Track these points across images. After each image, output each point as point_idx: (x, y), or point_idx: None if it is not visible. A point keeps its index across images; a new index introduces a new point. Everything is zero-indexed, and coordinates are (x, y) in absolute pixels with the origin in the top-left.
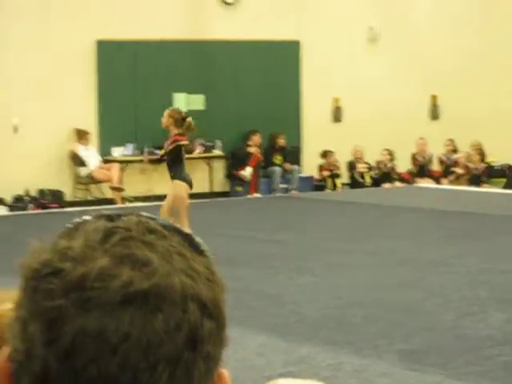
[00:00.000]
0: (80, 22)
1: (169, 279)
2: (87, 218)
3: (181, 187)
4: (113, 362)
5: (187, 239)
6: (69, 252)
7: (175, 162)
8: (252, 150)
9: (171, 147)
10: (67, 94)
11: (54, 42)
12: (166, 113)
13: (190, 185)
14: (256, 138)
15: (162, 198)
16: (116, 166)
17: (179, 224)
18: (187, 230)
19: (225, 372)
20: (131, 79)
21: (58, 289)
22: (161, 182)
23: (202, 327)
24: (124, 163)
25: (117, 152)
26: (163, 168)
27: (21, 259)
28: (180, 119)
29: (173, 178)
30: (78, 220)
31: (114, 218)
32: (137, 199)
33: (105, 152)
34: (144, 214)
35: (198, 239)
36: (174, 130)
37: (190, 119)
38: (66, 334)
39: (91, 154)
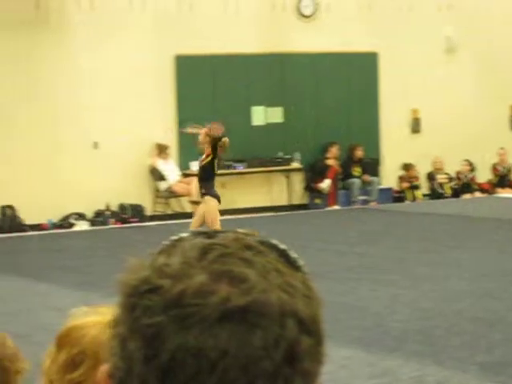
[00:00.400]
0: (159, 37)
1: (266, 295)
2: (184, 234)
3: (212, 203)
4: (211, 379)
5: (284, 255)
6: (167, 269)
7: (208, 179)
8: (330, 162)
9: (204, 163)
10: (146, 108)
11: (133, 57)
12: (204, 131)
13: (219, 200)
14: (334, 150)
15: (241, 211)
16: (195, 180)
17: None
18: (283, 245)
19: None
20: (210, 93)
21: (156, 306)
22: (240, 195)
23: (300, 343)
24: None
25: (196, 166)
26: (243, 182)
27: (119, 276)
28: (217, 139)
29: (204, 194)
30: (175, 237)
31: (211, 235)
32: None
33: (184, 166)
34: (241, 230)
35: (294, 255)
36: (209, 149)
37: (226, 139)
38: (165, 351)
39: (171, 169)
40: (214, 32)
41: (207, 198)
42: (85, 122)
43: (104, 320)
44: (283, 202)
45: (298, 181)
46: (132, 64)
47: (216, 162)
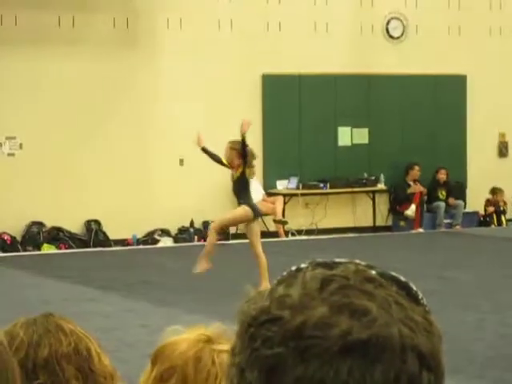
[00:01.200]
0: (246, 56)
1: (388, 329)
2: (304, 265)
3: (242, 211)
4: None
5: (405, 288)
6: (287, 300)
7: (244, 190)
8: (415, 189)
9: (238, 175)
10: (232, 127)
11: (220, 76)
12: (227, 146)
13: (256, 214)
14: (414, 172)
15: (325, 231)
16: (280, 199)
17: (254, 250)
18: (404, 278)
19: None
20: (296, 113)
21: (276, 337)
22: (324, 215)
23: (421, 379)
24: (287, 196)
25: (281, 185)
26: (327, 201)
27: (238, 305)
28: (241, 149)
29: (241, 203)
30: (294, 268)
31: (331, 266)
32: (299, 233)
33: (269, 185)
34: (361, 262)
35: (414, 288)
36: (237, 161)
37: (249, 147)
38: (284, 382)
39: (255, 187)
40: (301, 51)
41: (243, 205)
42: (171, 139)
43: (194, 337)
44: (368, 223)
45: (383, 202)
46: (219, 82)
47: (248, 171)
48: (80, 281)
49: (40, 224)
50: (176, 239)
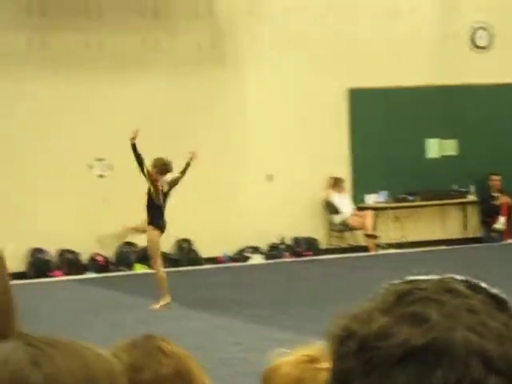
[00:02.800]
0: (332, 70)
1: (449, 334)
2: (396, 281)
3: (150, 235)
4: None
5: (493, 298)
6: (360, 315)
7: (148, 207)
8: (501, 200)
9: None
10: (320, 142)
11: (305, 90)
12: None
13: (162, 230)
14: (494, 183)
15: (415, 244)
16: (370, 213)
17: (154, 268)
18: (494, 289)
19: None
20: (383, 126)
21: (350, 351)
22: (414, 228)
23: (487, 383)
24: (377, 210)
25: (370, 199)
26: (417, 214)
27: (329, 326)
28: (162, 167)
29: (148, 223)
30: (385, 284)
31: (417, 282)
32: (390, 246)
33: (358, 199)
34: (454, 276)
35: (504, 296)
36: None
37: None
38: None
39: (345, 202)
40: (386, 64)
41: (148, 227)
42: (259, 155)
43: (297, 358)
44: (458, 234)
45: (473, 214)
46: (305, 97)
47: (152, 188)
48: (173, 299)
49: (132, 244)
50: (267, 256)
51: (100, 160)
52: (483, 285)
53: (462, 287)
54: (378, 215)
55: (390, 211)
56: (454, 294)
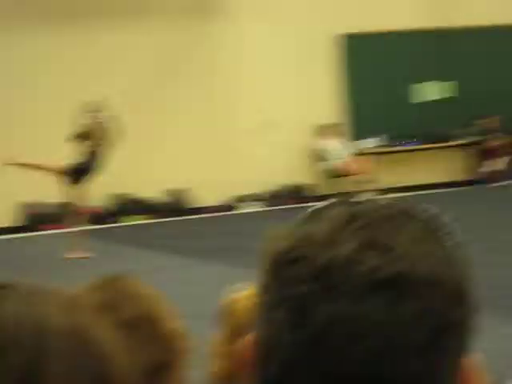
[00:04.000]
0: (326, 15)
1: (415, 265)
2: (326, 203)
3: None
4: (359, 349)
5: (432, 222)
6: (313, 237)
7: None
8: (500, 141)
9: None
10: (314, 88)
11: (300, 37)
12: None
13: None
14: (492, 124)
15: (411, 188)
16: (366, 158)
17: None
18: (433, 211)
19: (473, 361)
20: (379, 70)
21: (303, 275)
22: (413, 172)
23: (451, 314)
24: (375, 155)
25: (368, 144)
26: (414, 159)
27: (262, 246)
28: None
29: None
30: (317, 206)
31: (354, 204)
32: (388, 190)
33: (357, 144)
34: (382, 199)
35: (443, 221)
36: None
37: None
38: (313, 321)
39: (342, 147)
40: (382, 8)
41: None
42: (254, 103)
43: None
44: (457, 177)
45: (471, 155)
46: (299, 44)
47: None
48: (173, 249)
49: (129, 195)
50: (266, 203)
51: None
52: (421, 208)
53: (402, 211)
54: (377, 160)
55: (387, 156)
56: (400, 220)
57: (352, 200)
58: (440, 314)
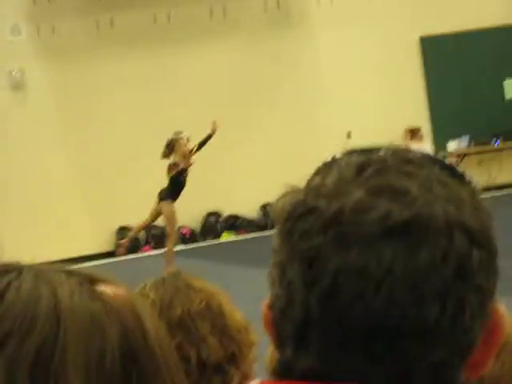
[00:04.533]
0: (403, 20)
1: (431, 208)
2: (338, 155)
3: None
4: (377, 299)
5: (449, 169)
6: (322, 189)
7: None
8: None
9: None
10: (395, 93)
11: (378, 42)
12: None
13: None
14: None
15: (502, 187)
16: (456, 161)
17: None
18: (448, 160)
19: (501, 307)
20: (459, 70)
21: (314, 227)
22: (499, 171)
23: (471, 257)
24: (460, 156)
25: (452, 145)
26: (501, 157)
27: (274, 203)
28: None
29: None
30: (329, 158)
31: (367, 152)
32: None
33: (440, 147)
34: (400, 146)
35: (460, 169)
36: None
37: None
38: (326, 273)
39: (425, 150)
40: (458, 8)
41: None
42: (336, 113)
43: None
44: None
45: None
46: (378, 48)
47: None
48: (260, 264)
49: (217, 214)
50: None
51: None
52: (434, 156)
53: (417, 157)
54: (462, 161)
55: (474, 156)
56: (415, 165)
57: (364, 148)
58: (461, 256)
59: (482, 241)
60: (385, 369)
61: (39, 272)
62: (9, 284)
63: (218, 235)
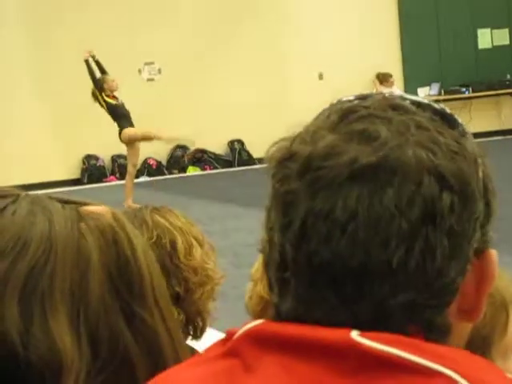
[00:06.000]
0: None
1: (400, 151)
2: (345, 98)
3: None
4: (343, 242)
5: (439, 113)
6: (304, 135)
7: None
8: None
9: None
10: (369, 37)
11: None
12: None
13: None
14: None
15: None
16: None
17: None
18: (441, 106)
19: (492, 252)
20: (434, 18)
21: (293, 173)
22: (468, 120)
23: (441, 201)
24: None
25: (422, 92)
26: (470, 106)
27: (266, 152)
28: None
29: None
30: (334, 102)
31: (364, 97)
32: None
33: (410, 93)
34: (400, 93)
35: (451, 114)
36: None
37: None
38: (297, 217)
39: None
40: None
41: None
42: (310, 54)
43: None
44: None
45: None
46: None
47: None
48: (224, 199)
49: (184, 147)
50: None
51: (149, 64)
52: (429, 101)
53: (407, 104)
54: None
55: (443, 104)
56: (400, 111)
57: (366, 94)
58: (429, 200)
59: (454, 185)
60: (357, 308)
61: (35, 199)
62: (5, 207)
63: (183, 169)
